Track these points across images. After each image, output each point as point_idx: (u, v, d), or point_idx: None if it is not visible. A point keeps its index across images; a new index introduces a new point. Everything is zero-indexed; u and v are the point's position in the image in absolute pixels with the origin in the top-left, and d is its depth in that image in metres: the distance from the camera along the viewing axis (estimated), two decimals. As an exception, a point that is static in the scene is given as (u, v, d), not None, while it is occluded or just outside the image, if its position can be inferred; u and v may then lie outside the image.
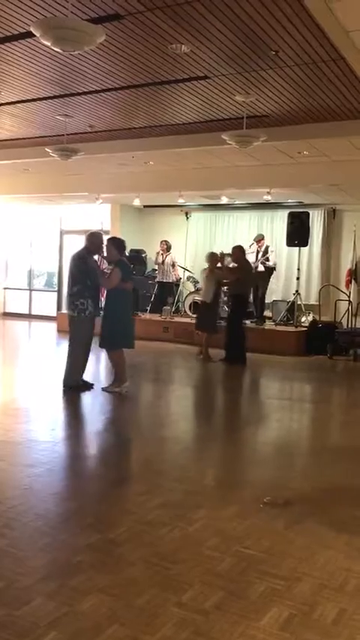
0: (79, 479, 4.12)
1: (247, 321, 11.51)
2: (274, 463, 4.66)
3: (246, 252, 10.53)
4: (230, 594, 2.65)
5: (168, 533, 3.21)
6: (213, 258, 9.78)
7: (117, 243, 6.71)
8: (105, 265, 7.64)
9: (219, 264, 9.85)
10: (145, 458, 4.60)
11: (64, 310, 14.22)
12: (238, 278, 9.38)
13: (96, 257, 6.83)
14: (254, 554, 3.03)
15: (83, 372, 6.75)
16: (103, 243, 6.74)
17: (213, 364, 9.20)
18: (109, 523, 3.31)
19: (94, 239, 6.76)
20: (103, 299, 6.84)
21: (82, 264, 6.54)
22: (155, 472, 4.24)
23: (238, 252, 9.69)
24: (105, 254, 6.71)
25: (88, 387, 6.73)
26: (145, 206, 13.88)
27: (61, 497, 3.69)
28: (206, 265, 9.76)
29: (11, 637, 2.29)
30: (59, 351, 10.85)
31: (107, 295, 6.58)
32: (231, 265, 9.99)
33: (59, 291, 15.47)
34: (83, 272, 6.49)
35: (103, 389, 6.71)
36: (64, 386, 6.62)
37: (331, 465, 4.57)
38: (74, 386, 6.60)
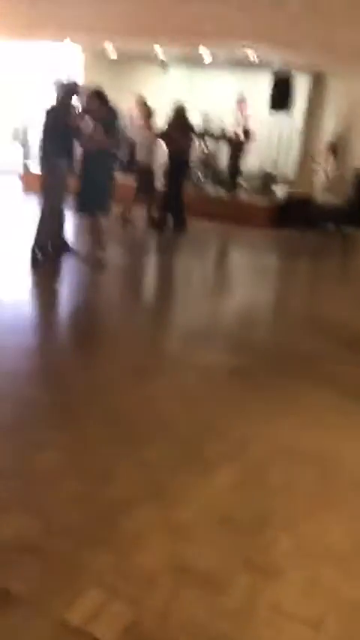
0: (44, 337, 4.12)
1: (221, 190, 11.23)
2: (241, 328, 4.73)
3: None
4: (185, 455, 2.76)
5: (128, 395, 3.28)
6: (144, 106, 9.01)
7: (100, 96, 6.10)
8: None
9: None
10: (110, 322, 4.62)
11: (34, 170, 13.58)
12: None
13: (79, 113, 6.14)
14: (210, 418, 3.13)
15: (61, 232, 6.32)
16: (77, 93, 6.10)
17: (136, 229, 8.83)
18: (70, 383, 3.36)
19: (67, 88, 6.13)
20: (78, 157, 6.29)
21: (58, 119, 5.91)
22: (118, 335, 4.28)
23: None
24: (86, 107, 6.07)
25: (68, 249, 6.33)
26: (120, 56, 12.78)
27: (24, 356, 3.70)
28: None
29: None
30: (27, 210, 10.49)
31: (85, 154, 6.06)
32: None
33: (25, 145, 14.62)
34: (60, 129, 5.89)
35: (78, 257, 6.28)
36: (35, 247, 6.09)
37: (287, 333, 4.67)
38: (45, 246, 6.13)
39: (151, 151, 8.96)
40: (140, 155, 9.03)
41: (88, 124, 6.06)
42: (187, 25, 9.90)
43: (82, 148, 6.08)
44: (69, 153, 6.04)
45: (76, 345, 4.05)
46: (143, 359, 3.84)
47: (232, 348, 4.27)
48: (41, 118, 6.12)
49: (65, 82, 6.37)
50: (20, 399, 3.10)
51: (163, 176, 9.03)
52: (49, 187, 6.10)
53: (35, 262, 6.01)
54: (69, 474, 2.50)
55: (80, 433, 2.82)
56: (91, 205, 6.20)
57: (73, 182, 6.21)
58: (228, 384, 3.61)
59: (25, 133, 14.50)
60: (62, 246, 6.35)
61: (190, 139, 9.27)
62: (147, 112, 9.07)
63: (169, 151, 8.89)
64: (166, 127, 9.00)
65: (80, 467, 2.56)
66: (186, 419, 3.10)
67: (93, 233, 6.36)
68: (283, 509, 2.45)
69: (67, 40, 11.55)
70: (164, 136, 8.86)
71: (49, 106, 6.18)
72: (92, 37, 11.18)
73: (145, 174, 8.80)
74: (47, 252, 6.15)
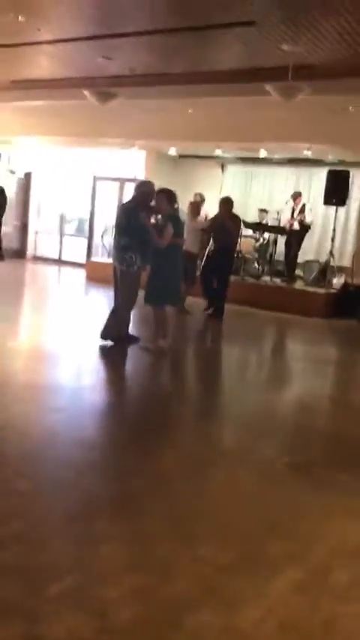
0: (104, 427, 4.17)
1: (277, 280, 11.41)
2: (296, 423, 4.65)
3: (280, 211, 10.30)
4: (245, 553, 2.68)
5: (185, 489, 3.25)
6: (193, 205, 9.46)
7: (168, 195, 6.39)
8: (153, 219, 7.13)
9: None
10: (171, 413, 4.63)
11: (95, 258, 14.31)
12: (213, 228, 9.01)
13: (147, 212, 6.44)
14: (270, 516, 3.05)
15: (128, 326, 6.54)
16: (153, 194, 6.38)
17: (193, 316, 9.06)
18: (130, 474, 3.35)
19: (144, 188, 6.40)
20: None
21: (131, 217, 6.21)
22: (178, 428, 4.27)
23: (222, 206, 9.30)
24: (154, 205, 6.38)
25: (134, 340, 6.53)
26: (180, 156, 13.61)
27: (85, 445, 3.73)
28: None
29: (31, 578, 2.37)
30: (90, 299, 10.94)
31: (156, 250, 6.29)
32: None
33: (90, 238, 15.43)
34: (133, 226, 6.18)
35: (142, 346, 6.49)
36: (103, 338, 6.36)
37: (348, 426, 4.54)
38: (116, 338, 6.37)
39: (196, 239, 9.26)
40: (186, 243, 9.37)
41: (159, 221, 6.36)
42: (247, 129, 10.50)
43: (153, 244, 6.25)
44: (142, 248, 6.26)
45: (135, 435, 4.07)
46: (200, 451, 3.81)
47: (290, 441, 4.20)
48: (116, 215, 6.47)
49: (141, 181, 6.63)
50: (80, 489, 3.12)
51: (210, 266, 9.25)
52: (123, 281, 6.31)
53: (102, 351, 6.18)
54: (127, 570, 2.46)
55: (138, 527, 2.79)
56: (160, 298, 6.40)
57: (144, 275, 6.45)
58: (287, 479, 3.51)
59: (91, 227, 15.37)
60: (128, 337, 6.52)
61: (237, 230, 9.52)
62: (197, 203, 9.49)
63: (215, 240, 9.16)
64: (214, 217, 9.34)
65: (138, 562, 2.52)
66: (244, 516, 3.02)
67: (158, 323, 6.53)
68: (351, 616, 2.31)
69: (135, 149, 12.39)
70: (211, 225, 9.19)
71: (125, 204, 6.53)
72: (157, 142, 12.00)
73: (188, 262, 9.02)
74: (115, 341, 6.35)
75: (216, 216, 9.32)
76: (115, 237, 6.41)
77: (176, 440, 3.99)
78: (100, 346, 6.28)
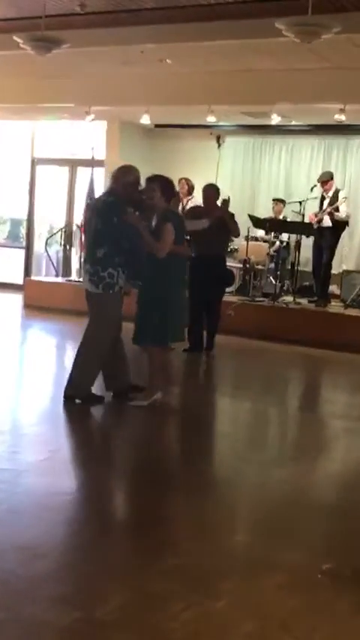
0: (54, 526, 4.13)
1: (303, 300, 11.48)
2: (338, 512, 4.64)
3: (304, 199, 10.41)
4: None
5: (181, 611, 3.21)
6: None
7: (164, 184, 6.45)
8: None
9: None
10: (152, 499, 4.61)
11: (39, 277, 14.36)
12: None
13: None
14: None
15: (95, 378, 6.62)
16: (138, 183, 6.45)
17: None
18: (96, 594, 3.32)
19: (129, 177, 6.40)
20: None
21: (113, 216, 6.22)
22: (164, 520, 4.24)
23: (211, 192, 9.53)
24: (145, 199, 6.42)
25: (98, 400, 6.62)
26: (156, 126, 13.79)
27: (28, 554, 3.70)
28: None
29: None
30: (32, 336, 10.91)
31: (151, 262, 6.31)
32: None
33: (29, 247, 15.50)
34: (116, 228, 6.19)
35: (134, 403, 6.58)
36: (68, 396, 6.45)
37: None
38: (85, 397, 6.46)
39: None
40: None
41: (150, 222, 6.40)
42: (252, 87, 10.68)
43: (146, 254, 6.30)
44: (129, 261, 6.30)
45: (105, 534, 4.04)
46: (208, 557, 3.78)
47: (324, 539, 4.18)
48: (85, 216, 6.48)
49: (123, 167, 6.57)
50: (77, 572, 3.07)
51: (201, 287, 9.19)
52: (96, 311, 6.37)
53: (69, 413, 6.29)
54: None
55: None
56: (159, 334, 6.43)
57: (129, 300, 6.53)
58: (330, 596, 3.49)
59: (29, 231, 15.46)
60: (91, 396, 6.58)
61: (237, 231, 9.61)
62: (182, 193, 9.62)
63: (205, 246, 9.09)
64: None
65: None
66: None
67: (155, 369, 6.64)
68: None
69: (90, 118, 12.53)
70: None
71: (101, 198, 6.55)
72: (123, 107, 12.14)
73: None
74: (92, 398, 6.49)
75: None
76: (87, 246, 6.44)
77: (169, 541, 3.95)
78: (66, 405, 6.36)
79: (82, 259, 6.51)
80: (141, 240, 6.25)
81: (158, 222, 6.38)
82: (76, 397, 6.45)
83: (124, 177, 6.44)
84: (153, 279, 6.35)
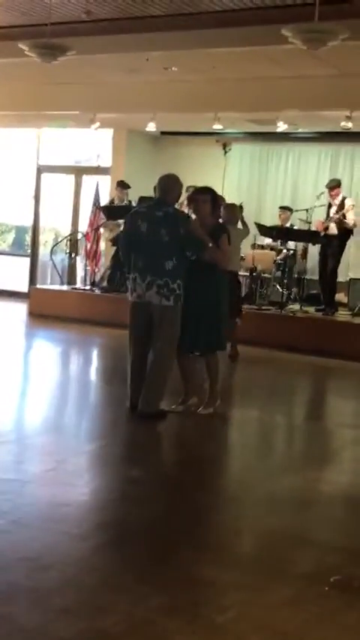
0: (58, 538, 4.12)
1: (310, 309, 11.47)
2: (348, 522, 4.62)
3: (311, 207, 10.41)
4: None
5: (187, 624, 3.20)
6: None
7: (215, 197, 6.66)
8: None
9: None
10: (157, 510, 4.60)
11: (44, 285, 14.35)
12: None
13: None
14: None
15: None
16: (180, 194, 6.61)
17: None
18: (101, 605, 3.30)
19: (178, 187, 6.56)
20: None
21: (180, 226, 6.32)
22: (169, 532, 4.23)
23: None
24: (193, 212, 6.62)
25: (165, 415, 6.61)
26: (163, 133, 13.82)
27: (32, 565, 3.69)
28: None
29: None
30: (39, 347, 10.91)
31: (201, 268, 6.42)
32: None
33: (34, 255, 15.53)
34: (183, 239, 6.29)
35: (198, 411, 6.70)
36: (142, 414, 6.40)
37: None
38: (157, 413, 6.45)
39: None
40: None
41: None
42: (259, 94, 10.68)
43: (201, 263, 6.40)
44: (187, 273, 6.38)
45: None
46: (214, 569, 3.76)
47: (337, 547, 4.16)
48: (143, 227, 6.28)
49: (168, 176, 6.59)
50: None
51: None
52: (167, 324, 6.35)
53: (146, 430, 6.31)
54: None
55: None
56: (217, 340, 6.61)
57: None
58: (340, 607, 3.47)
59: (34, 239, 15.48)
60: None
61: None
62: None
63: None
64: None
65: None
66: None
67: (213, 376, 6.78)
68: None
69: (96, 126, 12.54)
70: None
71: (154, 207, 6.41)
72: (129, 116, 12.16)
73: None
74: (163, 414, 6.51)
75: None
76: (154, 258, 6.28)
77: (174, 552, 3.94)
78: (144, 421, 6.34)
79: (135, 272, 6.34)
80: (203, 251, 6.36)
81: (213, 233, 6.47)
82: (150, 414, 6.39)
83: (175, 185, 6.54)
84: (210, 284, 6.49)
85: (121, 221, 12.38)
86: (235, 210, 9.56)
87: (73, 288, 13.43)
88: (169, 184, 6.52)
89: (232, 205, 9.71)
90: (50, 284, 14.85)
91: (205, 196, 6.56)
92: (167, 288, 6.27)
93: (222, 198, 9.57)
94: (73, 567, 3.75)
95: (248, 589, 3.57)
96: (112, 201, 13.00)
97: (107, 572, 3.71)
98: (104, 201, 13.51)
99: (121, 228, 12.39)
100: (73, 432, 6.48)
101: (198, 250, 6.33)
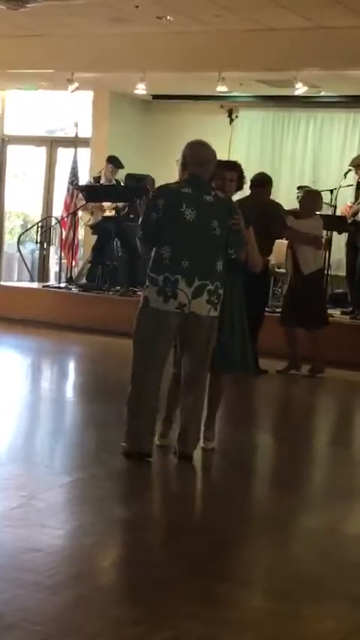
0: (26, 590, 4.14)
1: (336, 312, 11.49)
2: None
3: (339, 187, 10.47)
4: None
5: None
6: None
7: (241, 173, 6.50)
8: None
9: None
10: (148, 553, 4.61)
11: (9, 282, 14.32)
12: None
13: None
14: None
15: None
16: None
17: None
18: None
19: (214, 161, 6.11)
20: None
21: (229, 218, 6.06)
22: (160, 584, 4.24)
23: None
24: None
25: None
26: (154, 97, 13.85)
27: None
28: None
29: None
30: (2, 358, 10.92)
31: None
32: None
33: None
34: (230, 234, 6.09)
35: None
36: (186, 456, 6.29)
37: None
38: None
39: None
40: None
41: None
42: (272, 49, 10.72)
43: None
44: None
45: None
46: (216, 627, 3.78)
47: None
48: (192, 214, 5.94)
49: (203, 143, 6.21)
50: None
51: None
52: (211, 340, 6.19)
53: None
54: None
55: None
56: (248, 358, 6.57)
57: None
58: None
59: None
60: None
61: (277, 234, 9.60)
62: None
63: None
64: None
65: None
66: None
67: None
68: None
69: (73, 87, 12.57)
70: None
71: (199, 191, 5.99)
72: (113, 75, 12.19)
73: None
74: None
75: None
76: (195, 255, 5.95)
77: (170, 608, 3.94)
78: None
79: (175, 273, 5.90)
80: (244, 249, 6.27)
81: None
82: (192, 454, 6.27)
83: (213, 163, 6.14)
84: (250, 290, 6.64)
85: (106, 204, 12.43)
86: (319, 201, 9.68)
87: (44, 286, 13.38)
88: (212, 158, 6.14)
89: (315, 193, 9.78)
90: (17, 280, 14.86)
91: (232, 173, 6.37)
92: (216, 295, 6.03)
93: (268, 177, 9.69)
94: (42, 627, 3.75)
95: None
96: (97, 179, 12.85)
97: (83, 633, 3.71)
98: (84, 179, 13.51)
99: (106, 212, 12.55)
100: (45, 461, 6.45)
101: (241, 248, 6.20)
